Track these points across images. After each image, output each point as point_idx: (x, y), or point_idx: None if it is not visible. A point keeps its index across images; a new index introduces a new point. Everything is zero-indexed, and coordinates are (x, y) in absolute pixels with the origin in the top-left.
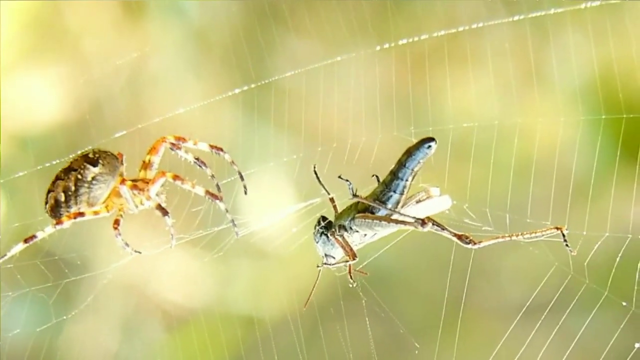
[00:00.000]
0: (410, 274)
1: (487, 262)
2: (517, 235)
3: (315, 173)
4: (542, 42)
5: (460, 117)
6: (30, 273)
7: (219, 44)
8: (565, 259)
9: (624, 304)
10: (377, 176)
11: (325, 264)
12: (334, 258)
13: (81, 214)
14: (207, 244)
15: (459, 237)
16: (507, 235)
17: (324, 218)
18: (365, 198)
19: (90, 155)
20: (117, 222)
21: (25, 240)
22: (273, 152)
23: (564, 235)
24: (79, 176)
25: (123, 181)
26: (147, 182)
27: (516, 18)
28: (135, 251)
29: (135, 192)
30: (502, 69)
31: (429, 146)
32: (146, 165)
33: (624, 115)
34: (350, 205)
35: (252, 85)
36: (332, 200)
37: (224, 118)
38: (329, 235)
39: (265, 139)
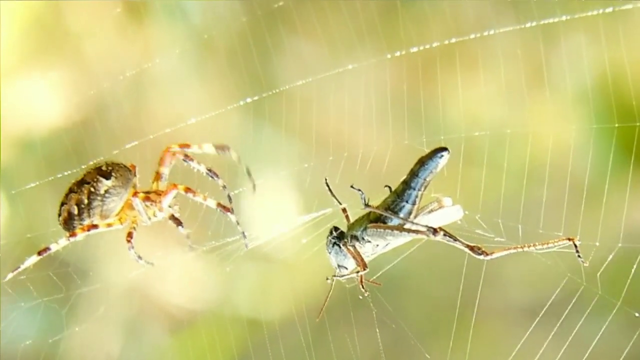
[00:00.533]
0: (421, 281)
1: (499, 271)
2: (529, 247)
3: (327, 185)
4: (553, 47)
5: (471, 124)
6: (43, 284)
7: (224, 47)
8: (577, 270)
9: (637, 314)
10: (389, 187)
11: (335, 276)
12: (346, 269)
13: (94, 226)
14: (217, 253)
15: (471, 248)
16: (519, 246)
17: (336, 228)
18: (377, 208)
19: (103, 168)
20: (130, 235)
21: (39, 253)
22: (284, 160)
23: (576, 247)
24: (92, 189)
25: (136, 194)
26: (160, 194)
27: (528, 25)
28: (148, 263)
29: (148, 204)
30: (513, 75)
31: (442, 156)
32: (157, 177)
33: (638, 124)
34: (363, 216)
35: (264, 95)
36: (344, 210)
37: (233, 125)
38: (341, 245)
39: (277, 147)
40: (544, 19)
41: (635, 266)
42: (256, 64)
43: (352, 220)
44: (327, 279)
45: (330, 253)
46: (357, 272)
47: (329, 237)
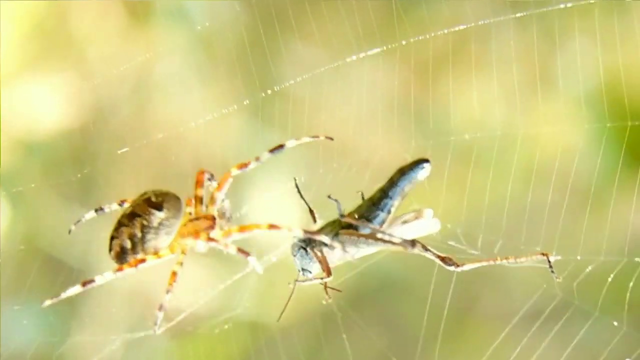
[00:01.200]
0: (410, 283)
1: (475, 281)
2: (502, 259)
3: (297, 186)
4: (548, 48)
5: (462, 126)
6: (38, 320)
7: (225, 49)
8: (553, 281)
9: (615, 323)
10: (362, 193)
11: (298, 281)
12: (310, 273)
13: (143, 261)
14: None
15: (442, 259)
16: (491, 259)
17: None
18: (350, 215)
19: (153, 199)
20: (174, 275)
21: (84, 284)
22: (288, 165)
23: (549, 262)
24: (145, 222)
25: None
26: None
27: (520, 15)
28: (158, 325)
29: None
30: (507, 76)
31: (423, 167)
32: (212, 201)
33: (629, 123)
34: (334, 220)
35: (263, 94)
36: (312, 212)
37: (229, 127)
38: (307, 249)
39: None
40: (541, 6)
41: (612, 275)
42: (260, 66)
43: (319, 223)
44: (289, 283)
45: (295, 256)
46: (322, 278)
47: (295, 240)
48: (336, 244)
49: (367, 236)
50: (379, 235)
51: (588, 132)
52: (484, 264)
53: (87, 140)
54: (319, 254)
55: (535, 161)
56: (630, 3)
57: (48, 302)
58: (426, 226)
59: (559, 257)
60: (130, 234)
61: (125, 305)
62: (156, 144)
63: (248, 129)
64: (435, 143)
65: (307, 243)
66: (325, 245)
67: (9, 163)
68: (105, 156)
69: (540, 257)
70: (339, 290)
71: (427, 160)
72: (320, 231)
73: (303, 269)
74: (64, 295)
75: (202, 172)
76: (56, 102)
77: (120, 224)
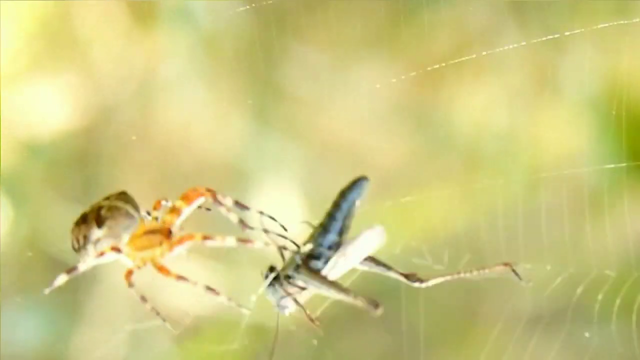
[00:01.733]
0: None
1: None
2: (466, 273)
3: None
4: (552, 50)
5: (465, 129)
6: (40, 320)
7: (228, 51)
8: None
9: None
10: (308, 222)
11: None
12: (286, 308)
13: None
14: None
15: (406, 276)
16: (455, 272)
17: (272, 268)
18: (305, 244)
19: (103, 213)
20: (130, 273)
21: (68, 272)
22: (287, 164)
23: (514, 271)
24: (86, 233)
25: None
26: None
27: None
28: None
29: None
30: (513, 81)
31: (361, 185)
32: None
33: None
34: (292, 257)
35: (265, 95)
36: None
37: (232, 128)
38: (276, 286)
39: (275, 154)
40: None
41: None
42: (263, 67)
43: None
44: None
45: (267, 295)
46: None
47: (265, 279)
48: (297, 277)
49: (326, 282)
50: (333, 284)
51: (591, 135)
52: (448, 278)
53: (92, 141)
54: (288, 289)
55: (540, 164)
56: (636, 4)
57: (47, 291)
58: (372, 238)
59: (528, 266)
60: (76, 237)
61: (130, 305)
62: (159, 144)
63: (250, 129)
64: (437, 145)
65: (276, 279)
66: (290, 278)
67: (12, 164)
68: (108, 157)
69: (502, 267)
70: (317, 324)
71: (364, 178)
72: (285, 267)
73: (279, 305)
74: (56, 285)
75: (194, 192)
76: (60, 103)
77: (77, 221)
